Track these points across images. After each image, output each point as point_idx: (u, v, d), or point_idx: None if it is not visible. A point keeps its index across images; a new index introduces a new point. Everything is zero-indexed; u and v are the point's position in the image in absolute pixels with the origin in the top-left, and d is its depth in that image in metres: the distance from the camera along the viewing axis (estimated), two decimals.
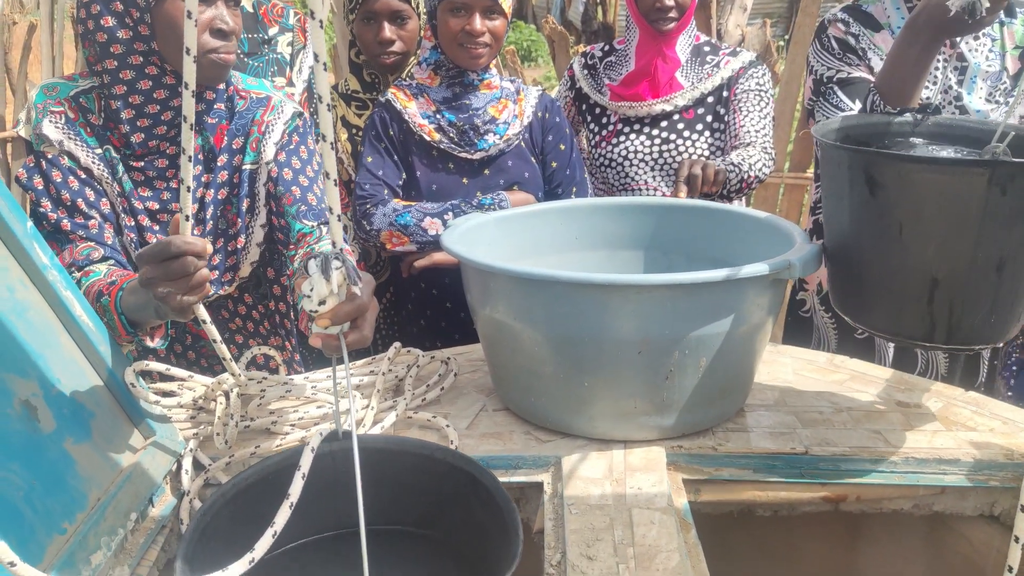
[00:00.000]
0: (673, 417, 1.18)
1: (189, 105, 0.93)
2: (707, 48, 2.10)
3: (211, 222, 1.44)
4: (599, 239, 1.54)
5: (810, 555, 1.34)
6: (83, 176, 1.36)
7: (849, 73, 1.71)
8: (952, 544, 1.23)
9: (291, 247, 1.46)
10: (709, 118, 2.06)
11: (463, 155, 1.84)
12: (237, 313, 1.59)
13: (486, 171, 1.86)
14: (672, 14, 1.98)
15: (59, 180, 1.35)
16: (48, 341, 1.00)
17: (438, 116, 1.83)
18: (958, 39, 1.65)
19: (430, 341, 1.87)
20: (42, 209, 1.34)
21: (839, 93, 1.70)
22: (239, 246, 1.47)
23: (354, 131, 2.07)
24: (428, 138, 1.82)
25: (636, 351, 1.11)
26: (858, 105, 1.65)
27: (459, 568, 0.96)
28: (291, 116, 1.50)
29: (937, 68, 1.69)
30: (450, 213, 1.77)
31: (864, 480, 1.15)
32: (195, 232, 1.42)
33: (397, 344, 1.46)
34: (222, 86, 1.44)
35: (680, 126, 2.05)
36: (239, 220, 1.46)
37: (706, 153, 2.06)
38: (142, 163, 1.40)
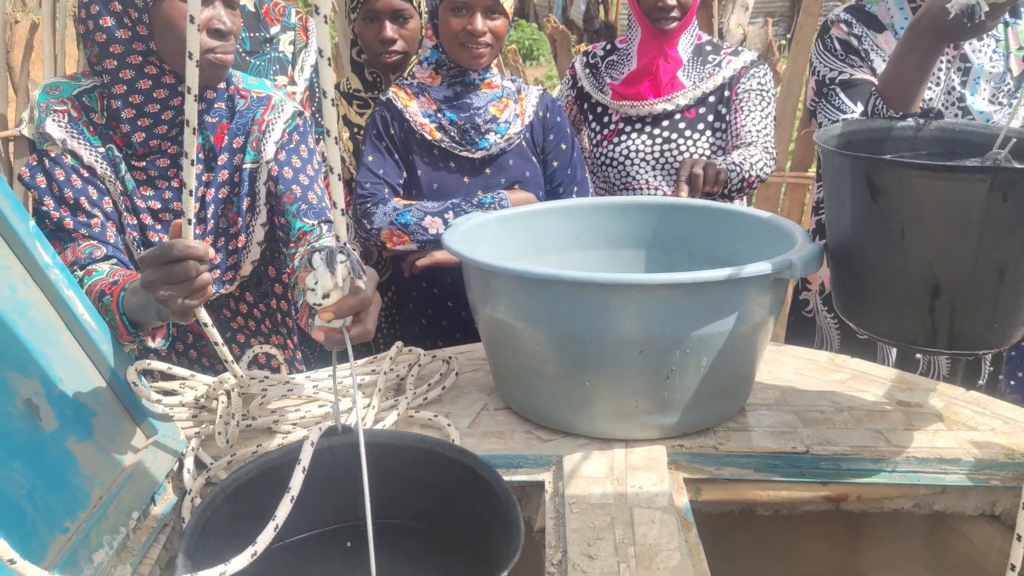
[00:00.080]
0: (674, 416, 1.18)
1: (192, 108, 0.92)
2: (709, 47, 2.09)
3: (212, 221, 1.44)
4: (601, 238, 1.54)
5: (811, 554, 1.34)
6: (86, 175, 1.37)
7: (851, 75, 1.71)
8: (953, 543, 1.23)
9: (291, 245, 1.46)
10: (711, 117, 2.06)
11: (464, 154, 1.84)
12: (238, 312, 1.59)
13: (487, 170, 1.86)
14: (674, 13, 1.97)
15: (62, 179, 1.35)
16: (50, 340, 1.00)
17: (439, 115, 1.83)
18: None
19: (431, 340, 1.88)
20: (45, 207, 1.34)
21: (841, 95, 1.69)
22: (240, 245, 1.47)
23: (356, 130, 2.07)
24: (429, 137, 1.82)
25: (638, 350, 1.11)
26: (860, 107, 1.65)
27: (460, 562, 0.97)
28: (291, 115, 1.50)
29: (940, 69, 1.68)
30: (451, 212, 1.77)
31: (865, 479, 1.15)
32: (196, 232, 1.42)
33: (399, 343, 1.46)
34: (223, 85, 1.45)
35: (682, 125, 2.05)
36: (240, 219, 1.46)
37: (707, 152, 2.05)
38: (144, 162, 1.40)
